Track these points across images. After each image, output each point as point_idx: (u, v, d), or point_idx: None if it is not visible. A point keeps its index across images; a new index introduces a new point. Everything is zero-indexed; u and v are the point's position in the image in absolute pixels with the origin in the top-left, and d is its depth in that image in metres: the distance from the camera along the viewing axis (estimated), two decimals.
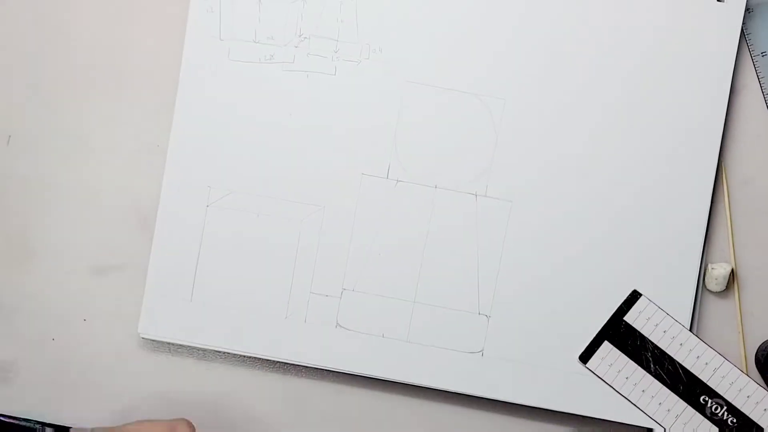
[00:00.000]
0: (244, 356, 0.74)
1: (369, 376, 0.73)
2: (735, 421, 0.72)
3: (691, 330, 0.73)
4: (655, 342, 0.72)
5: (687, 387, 0.72)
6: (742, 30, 0.72)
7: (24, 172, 0.74)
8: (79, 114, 0.74)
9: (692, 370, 0.72)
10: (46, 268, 0.75)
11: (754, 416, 0.71)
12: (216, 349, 0.73)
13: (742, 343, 0.74)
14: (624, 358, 0.72)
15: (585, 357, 0.72)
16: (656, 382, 0.71)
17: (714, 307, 0.74)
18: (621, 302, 0.72)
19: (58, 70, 0.74)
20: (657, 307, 0.72)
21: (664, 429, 0.72)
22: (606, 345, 0.72)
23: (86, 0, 0.74)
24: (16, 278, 0.75)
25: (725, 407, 0.71)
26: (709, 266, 0.73)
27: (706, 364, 0.71)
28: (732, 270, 0.73)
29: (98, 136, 0.74)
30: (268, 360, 0.74)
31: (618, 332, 0.72)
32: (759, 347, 0.74)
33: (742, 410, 0.71)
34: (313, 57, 0.72)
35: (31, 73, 0.74)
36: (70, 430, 0.71)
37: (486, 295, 0.72)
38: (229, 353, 0.74)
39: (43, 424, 0.73)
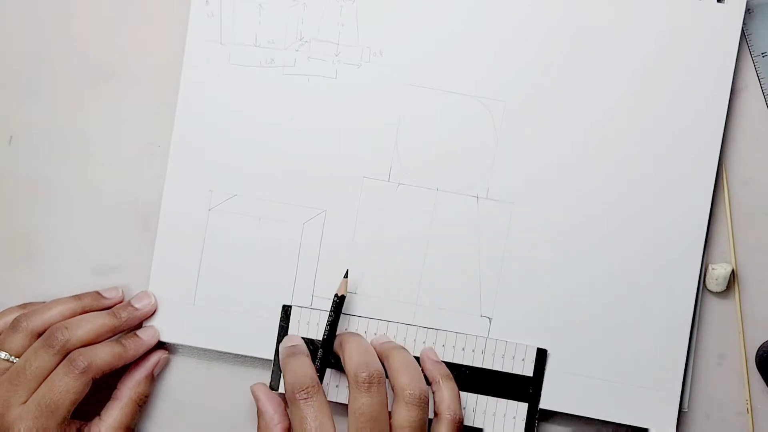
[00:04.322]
0: (245, 357, 0.74)
1: None
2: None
3: (691, 330, 0.73)
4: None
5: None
6: (742, 30, 0.72)
7: (26, 172, 0.74)
8: (80, 115, 0.74)
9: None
10: (48, 268, 0.75)
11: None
12: (218, 350, 0.73)
13: (742, 343, 0.74)
14: None
15: None
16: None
17: (714, 307, 0.74)
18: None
19: (59, 71, 0.74)
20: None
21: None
22: None
23: (87, 2, 0.74)
24: (17, 279, 0.75)
25: None
26: (710, 266, 0.73)
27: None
28: (732, 270, 0.73)
29: (100, 137, 0.74)
30: (269, 360, 0.74)
31: None
32: (759, 347, 0.74)
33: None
34: (313, 60, 0.72)
35: (33, 73, 0.74)
36: None
37: (488, 297, 0.73)
38: (230, 354, 0.74)
39: None
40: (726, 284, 0.73)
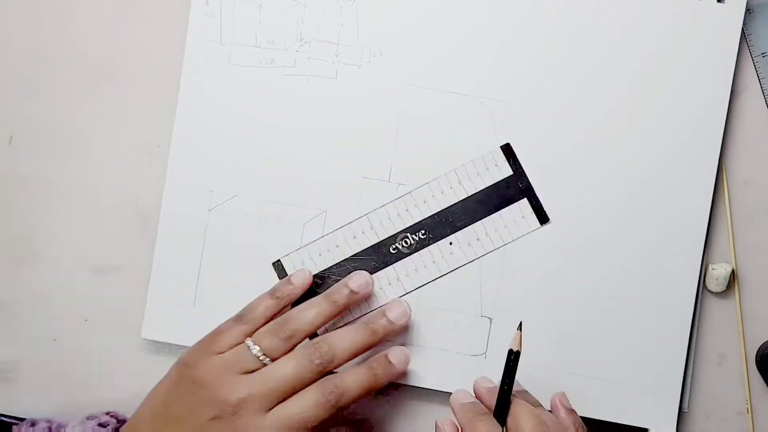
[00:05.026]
0: None
1: None
2: (424, 231, 0.73)
3: (691, 330, 0.73)
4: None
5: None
6: (742, 30, 0.72)
7: (26, 172, 0.74)
8: (80, 115, 0.74)
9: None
10: (48, 268, 0.75)
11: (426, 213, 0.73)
12: None
13: (742, 343, 0.74)
14: None
15: None
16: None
17: (714, 307, 0.74)
18: None
19: (59, 71, 0.74)
20: None
21: None
22: None
23: (87, 2, 0.74)
24: (17, 278, 0.75)
25: (408, 233, 0.73)
26: (710, 266, 0.73)
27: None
28: (732, 270, 0.73)
29: (100, 136, 0.74)
30: None
31: None
32: (759, 347, 0.74)
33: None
34: (313, 61, 0.72)
35: (33, 73, 0.74)
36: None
37: (488, 297, 0.73)
38: None
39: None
40: (726, 284, 0.73)
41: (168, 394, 0.67)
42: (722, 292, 0.73)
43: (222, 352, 0.67)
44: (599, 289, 0.73)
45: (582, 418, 0.73)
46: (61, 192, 0.75)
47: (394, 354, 0.70)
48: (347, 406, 0.67)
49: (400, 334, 0.72)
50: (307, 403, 0.65)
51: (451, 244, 0.72)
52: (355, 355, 0.68)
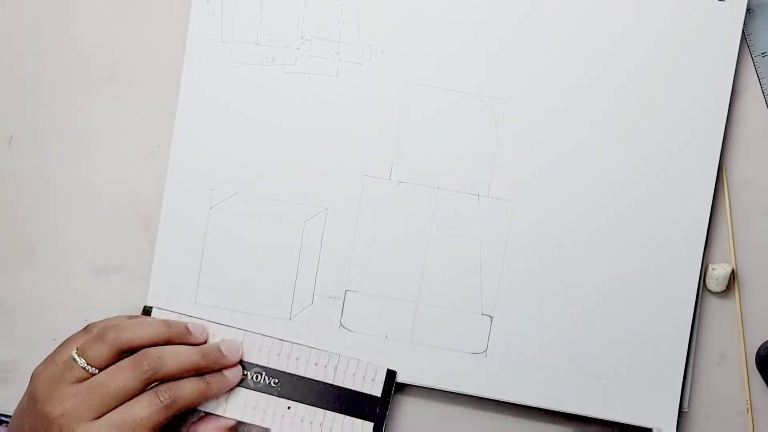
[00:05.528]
0: None
1: None
2: (277, 381, 0.72)
3: (691, 330, 0.73)
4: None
5: None
6: (742, 31, 0.72)
7: (26, 172, 0.74)
8: (80, 115, 0.74)
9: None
10: (48, 268, 0.75)
11: (290, 370, 0.72)
12: None
13: (742, 343, 0.74)
14: None
15: None
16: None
17: (714, 307, 0.74)
18: None
19: (59, 71, 0.74)
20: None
21: None
22: None
23: (87, 2, 0.74)
24: (17, 278, 0.75)
25: (264, 372, 0.72)
26: (710, 266, 0.73)
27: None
28: (732, 270, 0.73)
29: (100, 136, 0.74)
30: None
31: None
32: (759, 347, 0.74)
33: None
34: (314, 59, 0.72)
35: (33, 73, 0.74)
36: None
37: (489, 295, 0.73)
38: None
39: None
40: (726, 284, 0.73)
41: (19, 406, 0.67)
42: (722, 292, 0.73)
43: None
44: (599, 289, 0.73)
45: (583, 417, 0.73)
46: (61, 192, 0.75)
47: (230, 370, 0.71)
48: (181, 409, 0.67)
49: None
50: (139, 405, 0.65)
51: (288, 408, 0.72)
52: (183, 372, 0.68)
